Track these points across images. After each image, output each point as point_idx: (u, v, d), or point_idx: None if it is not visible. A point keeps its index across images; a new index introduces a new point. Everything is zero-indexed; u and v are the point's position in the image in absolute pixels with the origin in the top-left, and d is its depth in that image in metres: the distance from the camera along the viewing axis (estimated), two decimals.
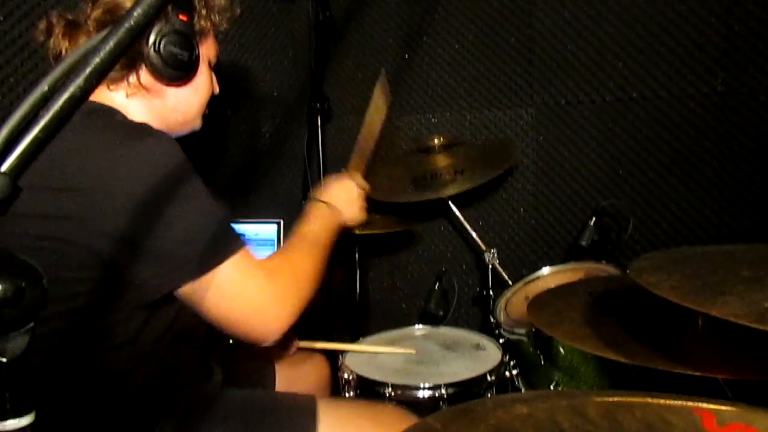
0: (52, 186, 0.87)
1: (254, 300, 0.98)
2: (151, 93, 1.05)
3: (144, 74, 1.03)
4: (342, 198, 1.26)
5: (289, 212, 2.24)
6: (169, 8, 1.01)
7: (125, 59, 0.99)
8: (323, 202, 1.23)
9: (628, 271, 0.80)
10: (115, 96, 1.04)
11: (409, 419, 1.19)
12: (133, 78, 1.03)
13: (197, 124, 1.16)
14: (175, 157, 0.94)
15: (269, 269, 1.01)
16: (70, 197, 0.88)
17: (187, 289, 0.94)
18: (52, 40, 1.02)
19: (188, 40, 1.04)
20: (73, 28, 1.02)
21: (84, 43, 0.96)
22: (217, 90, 1.18)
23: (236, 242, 0.98)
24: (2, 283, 0.42)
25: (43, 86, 0.45)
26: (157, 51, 1.00)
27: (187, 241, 0.92)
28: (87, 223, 0.88)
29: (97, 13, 1.00)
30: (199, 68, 1.09)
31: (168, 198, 0.92)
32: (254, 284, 0.98)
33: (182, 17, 1.03)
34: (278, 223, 1.84)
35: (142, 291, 0.93)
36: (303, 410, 1.11)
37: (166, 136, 0.97)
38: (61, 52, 1.02)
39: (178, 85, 1.07)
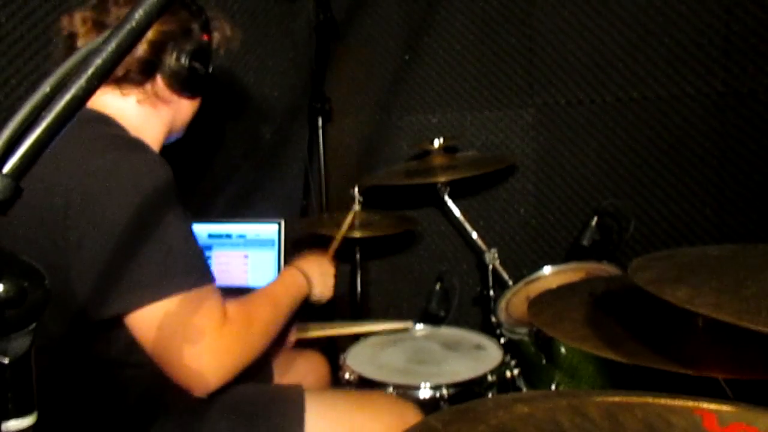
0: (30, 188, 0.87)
1: (200, 343, 0.93)
2: (161, 102, 1.10)
3: (160, 84, 1.08)
4: (317, 272, 1.32)
5: (290, 212, 2.25)
6: (196, 27, 1.09)
7: (145, 67, 1.05)
8: (299, 270, 1.28)
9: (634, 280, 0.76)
10: (123, 102, 1.07)
11: (403, 405, 1.19)
12: (149, 86, 1.08)
13: (183, 131, 1.23)
14: (159, 178, 0.94)
15: (226, 318, 0.97)
16: (42, 202, 0.89)
17: (141, 315, 0.91)
18: (76, 40, 1.03)
19: (209, 57, 1.13)
20: (100, 29, 1.02)
21: None
22: None
23: (202, 276, 0.96)
24: (5, 283, 0.42)
25: (45, 87, 0.45)
26: (182, 64, 1.07)
27: (150, 263, 0.90)
28: (54, 229, 0.88)
29: (124, 12, 1.00)
30: None
31: (142, 219, 0.91)
32: (207, 326, 0.93)
33: (205, 37, 1.12)
34: (279, 223, 1.83)
35: (91, 308, 0.91)
36: (290, 400, 1.10)
37: (154, 155, 0.99)
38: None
39: (190, 98, 1.15)
